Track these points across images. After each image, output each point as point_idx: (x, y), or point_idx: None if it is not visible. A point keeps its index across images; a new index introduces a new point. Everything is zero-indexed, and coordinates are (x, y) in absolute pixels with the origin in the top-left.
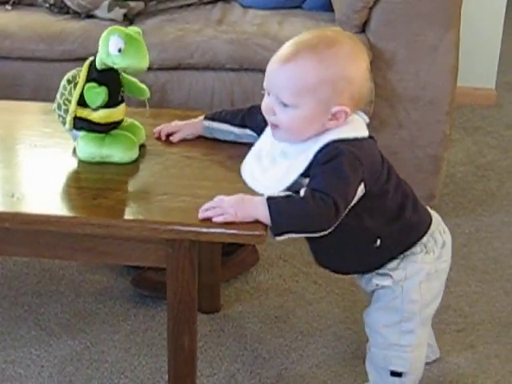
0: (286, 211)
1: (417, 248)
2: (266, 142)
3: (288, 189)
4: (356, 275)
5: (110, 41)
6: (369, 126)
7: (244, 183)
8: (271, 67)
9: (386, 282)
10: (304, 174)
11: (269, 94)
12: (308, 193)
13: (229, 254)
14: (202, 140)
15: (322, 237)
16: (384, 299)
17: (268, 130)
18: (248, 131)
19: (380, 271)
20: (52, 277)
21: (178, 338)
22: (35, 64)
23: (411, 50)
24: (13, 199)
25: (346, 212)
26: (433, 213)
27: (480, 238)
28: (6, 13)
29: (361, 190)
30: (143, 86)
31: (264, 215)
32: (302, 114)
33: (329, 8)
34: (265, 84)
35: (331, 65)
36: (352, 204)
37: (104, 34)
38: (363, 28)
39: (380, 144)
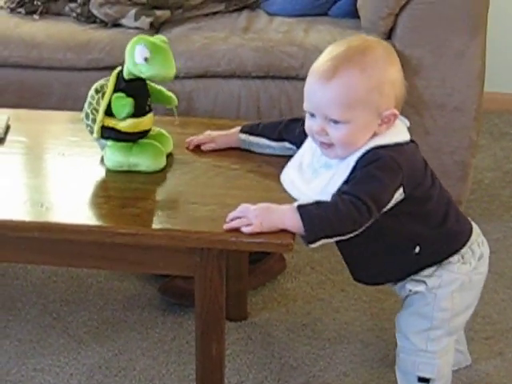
0: (317, 218)
1: (454, 257)
2: (306, 154)
3: None
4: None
5: (136, 50)
6: (409, 129)
7: (283, 191)
8: (312, 88)
9: (420, 287)
10: (346, 181)
11: (312, 115)
12: (337, 197)
13: (256, 262)
14: (231, 149)
15: (362, 243)
16: (416, 305)
17: (308, 142)
18: (286, 144)
19: (415, 277)
20: (80, 285)
21: (206, 345)
22: (63, 73)
23: (437, 57)
24: (41, 209)
25: (389, 215)
26: (473, 224)
27: (508, 244)
28: (34, 22)
29: (399, 194)
30: (170, 94)
31: (294, 224)
32: (356, 126)
33: (354, 15)
34: (307, 106)
35: (374, 72)
36: (389, 207)
37: (130, 44)
38: (389, 35)
39: None
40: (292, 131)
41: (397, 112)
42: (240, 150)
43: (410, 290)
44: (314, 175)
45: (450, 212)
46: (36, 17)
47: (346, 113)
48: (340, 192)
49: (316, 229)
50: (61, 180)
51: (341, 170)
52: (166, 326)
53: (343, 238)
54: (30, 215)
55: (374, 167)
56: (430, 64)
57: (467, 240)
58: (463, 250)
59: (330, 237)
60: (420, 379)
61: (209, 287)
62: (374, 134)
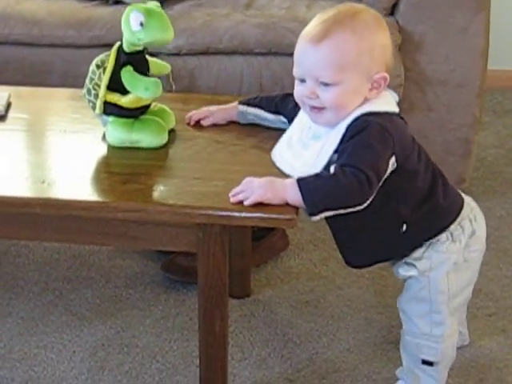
0: (317, 189)
1: (443, 236)
2: (296, 129)
3: (324, 168)
4: (388, 263)
5: (131, 17)
6: (399, 106)
7: (277, 168)
8: (303, 51)
9: (412, 272)
10: (337, 150)
11: (302, 80)
12: (338, 169)
13: (259, 239)
14: (233, 125)
15: (348, 223)
16: (412, 289)
17: (298, 118)
18: (282, 118)
19: (406, 260)
20: (82, 262)
21: (210, 322)
22: (64, 51)
23: (440, 33)
24: (43, 185)
25: (378, 189)
26: (466, 199)
27: (511, 221)
28: (35, 0)
29: (392, 163)
30: (163, 62)
31: (295, 197)
32: (347, 88)
33: None
34: (297, 71)
35: (364, 34)
36: (384, 177)
37: (124, 15)
38: (392, 11)
39: (410, 127)
40: (286, 106)
41: (387, 75)
42: (242, 126)
43: (404, 275)
44: (303, 148)
45: (437, 186)
46: None
47: (337, 74)
48: (340, 165)
49: (316, 201)
50: (62, 156)
51: (331, 139)
52: (168, 303)
53: (350, 210)
54: (31, 191)
55: (366, 135)
56: (432, 40)
57: (456, 216)
58: (452, 227)
59: (332, 209)
60: (424, 362)
61: (211, 263)
62: (365, 100)
